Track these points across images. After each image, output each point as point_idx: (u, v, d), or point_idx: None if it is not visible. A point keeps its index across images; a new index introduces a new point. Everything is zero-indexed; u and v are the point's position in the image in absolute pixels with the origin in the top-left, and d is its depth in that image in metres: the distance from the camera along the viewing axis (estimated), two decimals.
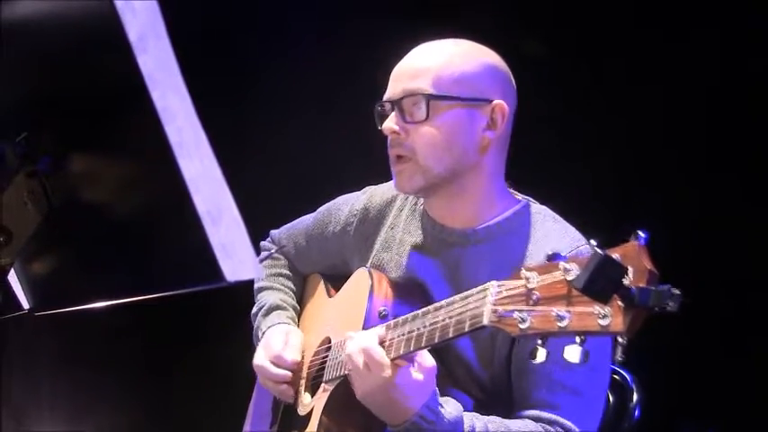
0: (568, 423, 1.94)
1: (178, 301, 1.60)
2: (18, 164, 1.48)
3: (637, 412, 2.29)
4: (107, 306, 1.58)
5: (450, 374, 2.04)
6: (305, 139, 3.40)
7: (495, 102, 2.06)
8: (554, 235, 2.05)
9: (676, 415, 2.96)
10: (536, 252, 2.01)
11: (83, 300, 1.62)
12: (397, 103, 2.08)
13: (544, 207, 2.13)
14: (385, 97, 2.11)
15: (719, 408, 2.96)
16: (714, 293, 2.90)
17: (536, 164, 2.96)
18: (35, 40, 1.48)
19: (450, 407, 1.91)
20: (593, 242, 1.46)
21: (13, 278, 1.64)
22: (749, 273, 2.94)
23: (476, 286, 1.70)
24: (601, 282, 1.44)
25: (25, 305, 1.68)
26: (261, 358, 2.30)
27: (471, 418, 1.92)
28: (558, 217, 2.12)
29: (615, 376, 2.31)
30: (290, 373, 2.26)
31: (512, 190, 2.15)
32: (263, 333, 2.36)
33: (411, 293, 2.11)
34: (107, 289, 1.53)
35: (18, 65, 1.51)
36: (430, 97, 2.03)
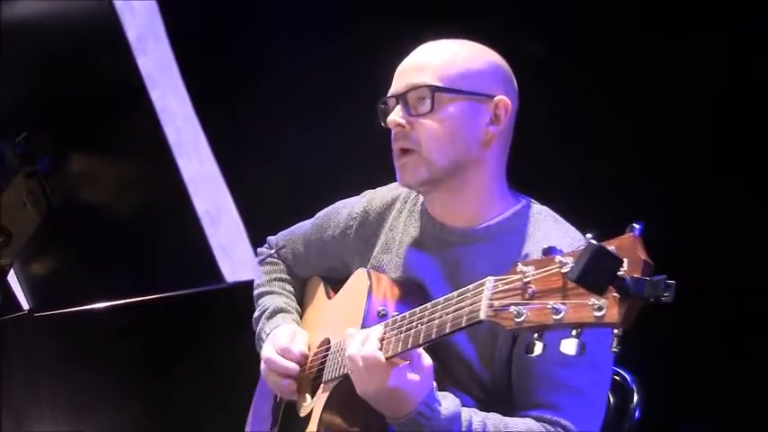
0: (570, 424, 1.94)
1: (178, 302, 1.60)
2: (17, 164, 1.48)
3: (637, 413, 2.29)
4: (107, 307, 1.57)
5: (451, 375, 2.04)
6: (304, 141, 3.39)
7: (499, 97, 2.07)
8: (554, 235, 2.05)
9: (677, 416, 2.95)
10: (535, 252, 2.00)
11: (82, 300, 1.61)
12: (401, 97, 2.08)
13: (545, 207, 2.14)
14: (389, 93, 2.12)
15: (720, 409, 2.95)
16: (715, 295, 2.90)
17: (538, 165, 2.96)
18: (35, 40, 1.48)
19: (448, 402, 1.91)
20: (588, 235, 1.45)
21: (12, 279, 1.63)
22: (751, 275, 2.94)
23: None
24: (595, 273, 1.42)
25: (25, 306, 1.68)
26: (269, 351, 2.29)
27: (469, 414, 1.93)
28: (558, 217, 2.12)
29: (616, 377, 2.31)
30: (297, 366, 2.25)
31: (513, 190, 2.15)
32: (268, 335, 2.35)
33: (410, 293, 2.11)
34: (107, 290, 1.52)
35: (18, 65, 1.50)
36: (435, 89, 2.04)
